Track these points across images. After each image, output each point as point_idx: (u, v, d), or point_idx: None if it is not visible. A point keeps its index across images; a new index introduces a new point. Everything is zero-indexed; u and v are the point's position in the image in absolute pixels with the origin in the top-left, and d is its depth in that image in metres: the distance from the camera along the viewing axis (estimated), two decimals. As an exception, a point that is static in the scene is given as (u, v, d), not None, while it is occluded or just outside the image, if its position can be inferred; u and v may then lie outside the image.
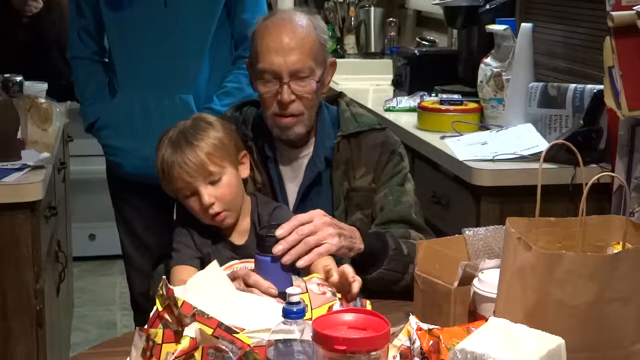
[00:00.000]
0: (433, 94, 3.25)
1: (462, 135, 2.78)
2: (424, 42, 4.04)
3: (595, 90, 2.49)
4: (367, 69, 4.50)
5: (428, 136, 2.85)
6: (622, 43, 2.20)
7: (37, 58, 3.81)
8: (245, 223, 1.96)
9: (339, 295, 1.65)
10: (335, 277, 1.67)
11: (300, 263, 1.75)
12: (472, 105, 2.96)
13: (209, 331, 1.34)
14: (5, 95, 2.74)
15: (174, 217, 2.14)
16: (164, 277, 1.40)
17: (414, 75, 3.44)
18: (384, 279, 1.89)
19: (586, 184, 1.37)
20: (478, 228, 1.68)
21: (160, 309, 1.38)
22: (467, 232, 1.68)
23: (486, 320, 1.34)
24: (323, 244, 1.78)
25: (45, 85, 3.21)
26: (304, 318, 1.31)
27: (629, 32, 2.17)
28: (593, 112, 2.49)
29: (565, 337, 1.24)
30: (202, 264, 1.87)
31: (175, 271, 1.88)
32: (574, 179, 2.41)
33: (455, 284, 1.56)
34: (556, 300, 1.32)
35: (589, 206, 1.40)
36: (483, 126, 2.89)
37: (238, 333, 1.37)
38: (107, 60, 2.81)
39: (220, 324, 1.36)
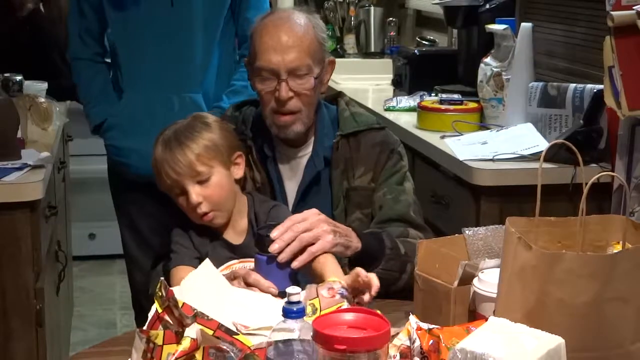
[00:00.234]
0: (433, 94, 3.25)
1: (462, 135, 2.78)
2: (424, 42, 4.04)
3: (595, 90, 2.49)
4: (367, 68, 4.50)
5: (428, 136, 2.85)
6: (622, 43, 2.20)
7: (37, 57, 3.82)
8: (243, 222, 1.96)
9: (349, 298, 1.63)
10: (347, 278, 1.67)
11: (295, 264, 1.75)
12: (472, 105, 2.96)
13: (210, 332, 1.34)
14: (5, 94, 2.74)
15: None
16: (162, 278, 1.40)
17: (414, 75, 3.43)
18: (381, 278, 1.88)
19: (586, 184, 1.37)
20: (478, 228, 1.68)
21: (159, 310, 1.38)
22: (467, 232, 1.68)
23: (486, 319, 1.34)
24: (317, 242, 1.77)
25: (45, 85, 3.21)
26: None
27: (629, 31, 2.17)
28: (593, 111, 2.49)
29: (565, 337, 1.24)
30: (201, 264, 1.87)
31: (175, 272, 1.88)
32: (574, 178, 2.41)
33: (455, 283, 1.56)
34: (556, 300, 1.32)
35: (589, 206, 1.40)
36: (483, 126, 2.89)
37: (238, 335, 1.37)
38: (108, 60, 2.81)
39: (220, 326, 1.36)
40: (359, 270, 1.68)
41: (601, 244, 1.52)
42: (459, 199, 2.61)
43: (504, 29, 2.89)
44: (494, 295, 1.44)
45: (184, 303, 1.37)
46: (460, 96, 3.05)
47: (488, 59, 2.94)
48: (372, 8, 4.82)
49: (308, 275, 1.79)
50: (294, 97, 1.98)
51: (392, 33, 4.70)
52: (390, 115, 3.21)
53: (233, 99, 2.62)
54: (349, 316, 1.27)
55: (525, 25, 2.84)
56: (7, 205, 2.34)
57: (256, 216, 1.95)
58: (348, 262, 1.88)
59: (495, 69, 2.89)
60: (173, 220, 1.97)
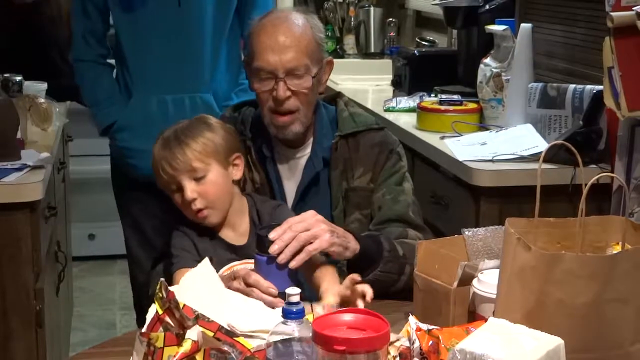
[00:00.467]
0: (433, 94, 3.25)
1: (461, 135, 2.78)
2: (423, 42, 4.04)
3: (594, 91, 2.49)
4: (367, 69, 4.50)
5: (428, 136, 2.85)
6: (622, 43, 2.20)
7: (37, 57, 3.81)
8: (244, 224, 1.96)
9: None
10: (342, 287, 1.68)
11: (292, 264, 1.75)
12: (471, 105, 2.96)
13: (210, 334, 1.34)
14: (5, 95, 2.74)
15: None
16: (162, 279, 1.40)
17: (414, 76, 3.44)
18: (379, 281, 1.88)
19: (586, 185, 1.38)
20: (477, 228, 1.68)
21: (160, 311, 1.38)
22: (466, 233, 1.68)
23: (485, 320, 1.34)
24: (315, 240, 1.77)
25: (45, 85, 3.21)
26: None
27: (628, 32, 2.17)
28: (592, 112, 2.49)
29: (564, 338, 1.24)
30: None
31: (178, 275, 1.86)
32: (573, 179, 2.41)
33: (455, 284, 1.56)
34: (555, 301, 1.32)
35: (588, 206, 1.40)
36: (483, 126, 2.89)
37: (238, 336, 1.37)
38: (110, 61, 2.80)
39: (220, 327, 1.36)
40: (355, 276, 1.69)
41: (601, 244, 1.52)
42: (459, 199, 2.61)
43: (504, 30, 2.89)
44: (494, 296, 1.44)
45: (184, 305, 1.36)
46: (459, 97, 3.05)
47: (488, 60, 2.94)
48: (371, 8, 4.82)
49: (305, 275, 1.80)
50: (291, 96, 1.98)
51: (391, 33, 4.70)
52: (389, 116, 3.21)
53: (243, 98, 2.62)
54: (349, 317, 1.27)
55: (525, 26, 2.84)
56: (7, 205, 2.34)
57: (259, 216, 1.96)
58: (346, 266, 1.88)
59: (494, 70, 2.89)
60: (177, 222, 1.97)
